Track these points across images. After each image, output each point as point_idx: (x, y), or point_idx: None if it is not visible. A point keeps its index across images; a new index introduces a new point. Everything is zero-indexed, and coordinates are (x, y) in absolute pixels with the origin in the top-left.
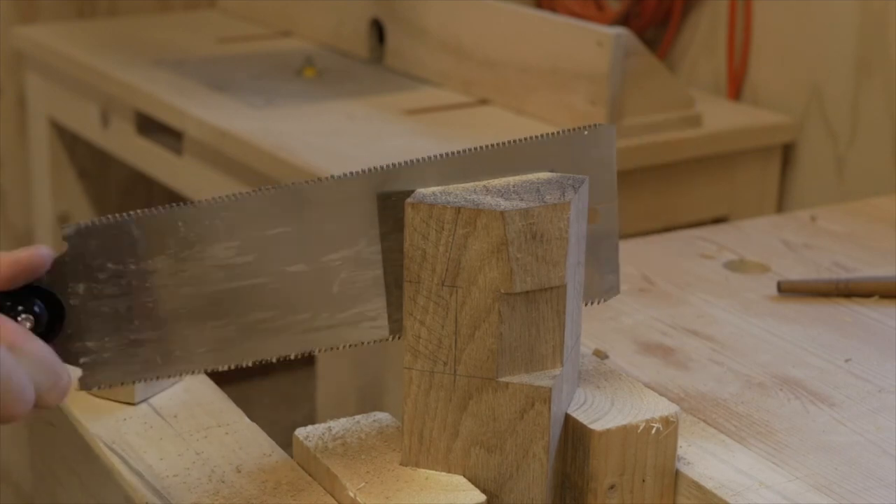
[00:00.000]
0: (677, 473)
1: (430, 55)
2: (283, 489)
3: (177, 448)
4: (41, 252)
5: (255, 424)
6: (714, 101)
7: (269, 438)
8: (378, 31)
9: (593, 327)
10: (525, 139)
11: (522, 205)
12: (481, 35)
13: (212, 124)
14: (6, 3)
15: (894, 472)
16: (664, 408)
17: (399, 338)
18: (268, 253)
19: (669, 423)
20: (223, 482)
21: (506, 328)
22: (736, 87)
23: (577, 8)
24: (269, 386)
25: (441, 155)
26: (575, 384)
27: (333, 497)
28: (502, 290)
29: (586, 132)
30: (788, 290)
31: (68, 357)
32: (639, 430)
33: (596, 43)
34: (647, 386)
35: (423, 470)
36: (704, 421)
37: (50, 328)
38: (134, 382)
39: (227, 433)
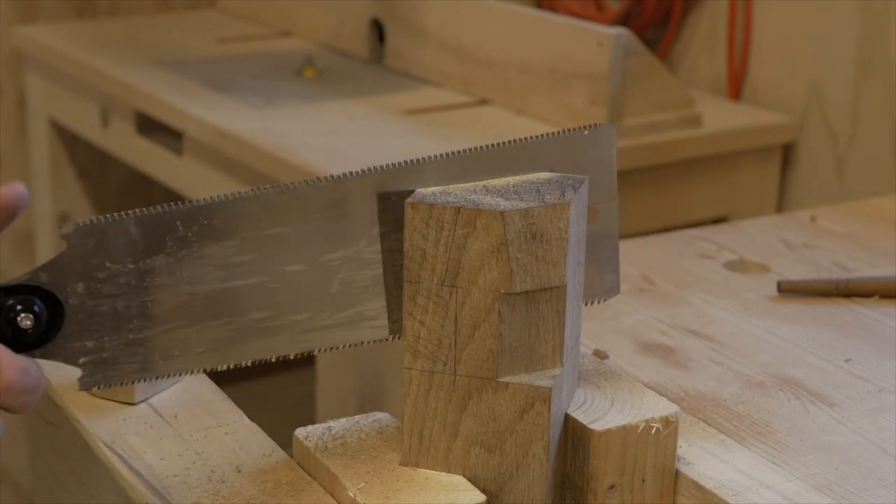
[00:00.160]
0: (677, 473)
1: (430, 55)
2: (283, 489)
3: (177, 448)
4: (18, 187)
5: (255, 424)
6: (714, 101)
7: (269, 438)
8: (378, 31)
9: (593, 327)
10: (525, 139)
11: (522, 205)
12: (481, 35)
13: (212, 124)
14: (6, 3)
15: (894, 472)
16: (664, 408)
17: (399, 338)
18: (267, 252)
19: (669, 423)
20: (223, 482)
21: (506, 328)
22: (736, 87)
23: (577, 8)
24: (269, 386)
25: (441, 155)
26: (575, 384)
27: (333, 497)
28: (502, 290)
29: (586, 132)
30: (788, 290)
31: (68, 357)
32: (639, 430)
33: (596, 43)
34: (647, 386)
35: (422, 470)
36: (704, 421)
37: (49, 328)
38: (133, 382)
39: (227, 433)
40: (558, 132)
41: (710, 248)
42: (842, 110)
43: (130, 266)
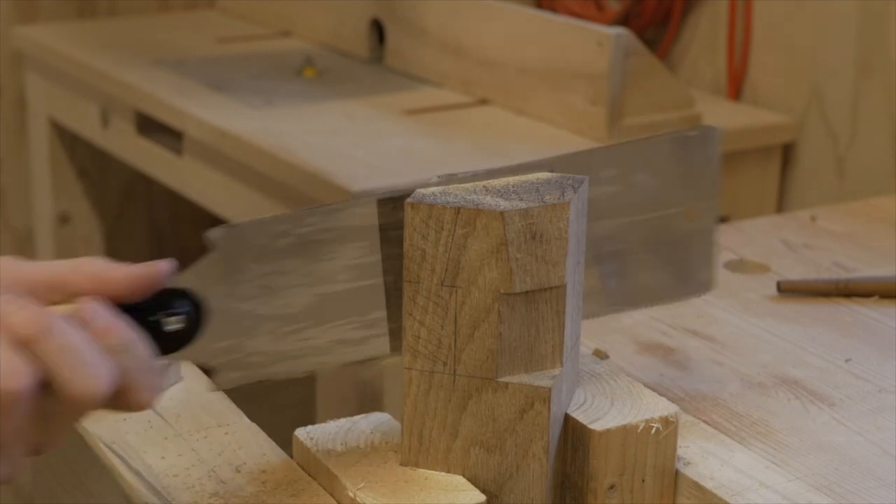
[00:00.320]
0: (677, 473)
1: (430, 55)
2: (283, 489)
3: (177, 448)
4: (161, 267)
5: (255, 424)
6: (714, 101)
7: (269, 438)
8: (378, 31)
9: (593, 327)
10: (633, 140)
11: (522, 205)
12: (481, 35)
13: (212, 124)
14: (6, 3)
15: (894, 472)
16: (664, 408)
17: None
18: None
19: (669, 423)
20: (223, 482)
21: (505, 328)
22: (736, 87)
23: (577, 8)
24: (270, 386)
25: (548, 159)
26: (575, 384)
27: (333, 497)
28: (502, 290)
29: (694, 133)
30: (788, 290)
31: (206, 358)
32: (638, 430)
33: (596, 43)
34: (647, 386)
35: (422, 470)
36: (704, 421)
37: (193, 330)
38: (267, 380)
39: (227, 433)
40: (666, 133)
41: None
42: (842, 110)
43: (268, 268)
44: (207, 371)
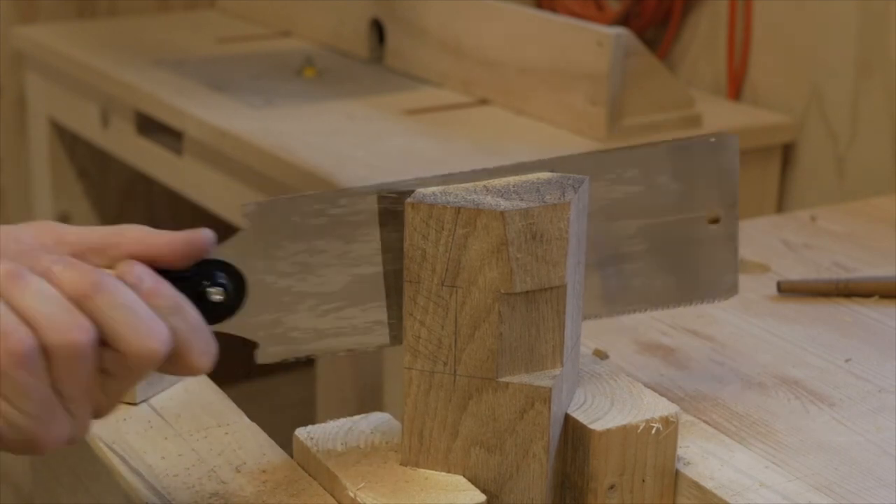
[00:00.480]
0: (677, 473)
1: (430, 55)
2: (283, 489)
3: (177, 448)
4: (204, 235)
5: (255, 424)
6: (714, 101)
7: (269, 438)
8: (378, 31)
9: (593, 327)
10: (651, 143)
11: (522, 205)
12: (481, 35)
13: (212, 124)
14: (6, 3)
15: (894, 472)
16: (664, 408)
17: None
18: None
19: (669, 423)
20: (223, 482)
21: (506, 328)
22: (736, 87)
23: (577, 8)
24: (269, 386)
25: (564, 157)
26: (575, 384)
27: (333, 497)
28: (502, 290)
29: (712, 140)
30: (788, 290)
31: (247, 330)
32: (639, 430)
33: (596, 43)
34: (647, 386)
35: (422, 470)
36: (704, 421)
37: (235, 302)
38: (306, 357)
39: (227, 433)
40: (685, 138)
41: None
42: (842, 110)
43: (304, 245)
44: (250, 344)
